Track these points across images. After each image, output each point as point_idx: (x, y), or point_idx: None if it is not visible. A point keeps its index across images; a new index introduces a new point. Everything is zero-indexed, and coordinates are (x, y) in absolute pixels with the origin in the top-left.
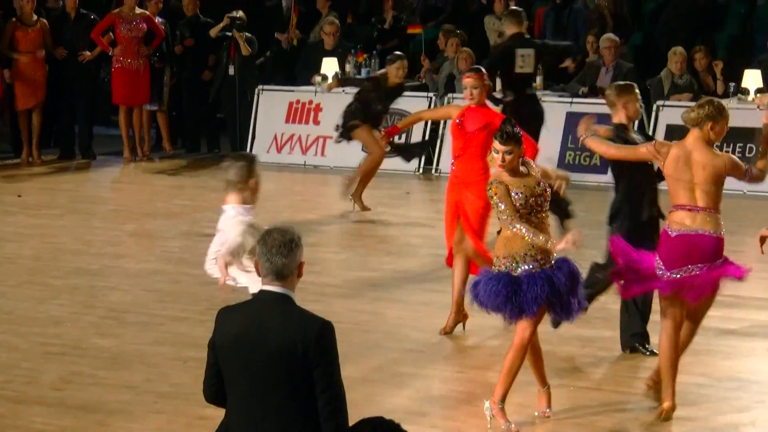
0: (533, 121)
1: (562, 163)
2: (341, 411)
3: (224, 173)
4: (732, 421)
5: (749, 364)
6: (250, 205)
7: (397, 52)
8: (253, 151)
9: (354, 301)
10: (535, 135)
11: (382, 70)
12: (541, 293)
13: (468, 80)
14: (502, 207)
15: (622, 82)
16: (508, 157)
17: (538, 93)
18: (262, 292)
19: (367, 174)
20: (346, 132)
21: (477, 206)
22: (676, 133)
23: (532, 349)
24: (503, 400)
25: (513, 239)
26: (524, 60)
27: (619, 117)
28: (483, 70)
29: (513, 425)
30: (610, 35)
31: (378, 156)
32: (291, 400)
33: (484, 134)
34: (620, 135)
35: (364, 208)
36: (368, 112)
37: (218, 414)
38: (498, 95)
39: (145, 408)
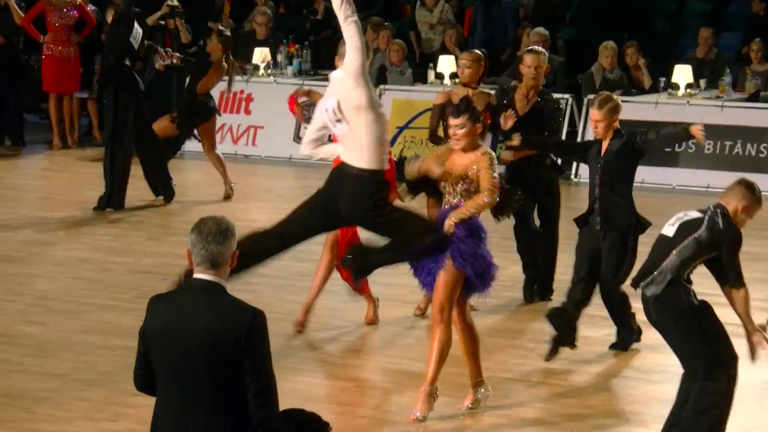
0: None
1: None
2: (272, 401)
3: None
4: (660, 413)
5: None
6: None
7: None
8: (185, 141)
9: (284, 290)
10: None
11: None
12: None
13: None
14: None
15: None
16: (460, 132)
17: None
18: (193, 280)
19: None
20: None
21: None
22: None
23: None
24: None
25: None
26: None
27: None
28: None
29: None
30: (540, 29)
31: None
32: (221, 390)
33: None
34: None
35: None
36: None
37: (146, 402)
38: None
39: (71, 396)
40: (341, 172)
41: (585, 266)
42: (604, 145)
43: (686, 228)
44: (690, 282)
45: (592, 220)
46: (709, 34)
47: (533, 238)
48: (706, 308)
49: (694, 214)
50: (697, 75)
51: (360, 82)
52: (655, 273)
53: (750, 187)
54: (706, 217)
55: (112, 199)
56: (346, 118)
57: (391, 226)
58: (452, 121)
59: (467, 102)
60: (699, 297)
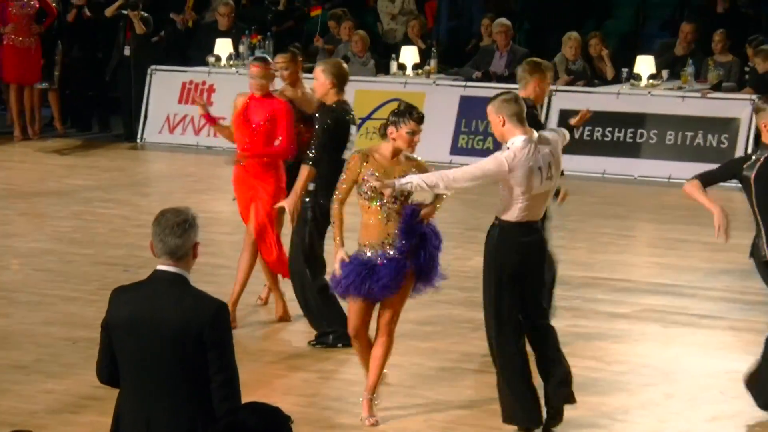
0: None
1: (455, 147)
2: (235, 393)
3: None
4: (622, 405)
5: (639, 348)
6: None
7: None
8: (145, 132)
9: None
10: None
11: None
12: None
13: (254, 70)
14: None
15: (537, 59)
16: (416, 139)
17: (432, 76)
18: (156, 272)
19: None
20: None
21: (266, 203)
22: (568, 118)
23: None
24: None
25: (369, 227)
26: None
27: (527, 92)
28: (269, 59)
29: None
30: (503, 20)
31: None
32: (183, 382)
33: (267, 126)
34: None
35: None
36: None
37: (109, 394)
38: None
39: (35, 388)
40: (531, 234)
41: None
42: None
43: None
44: None
45: None
46: (691, 29)
47: None
48: None
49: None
50: (674, 69)
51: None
52: None
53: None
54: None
55: None
56: (554, 176)
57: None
58: (415, 127)
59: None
60: None
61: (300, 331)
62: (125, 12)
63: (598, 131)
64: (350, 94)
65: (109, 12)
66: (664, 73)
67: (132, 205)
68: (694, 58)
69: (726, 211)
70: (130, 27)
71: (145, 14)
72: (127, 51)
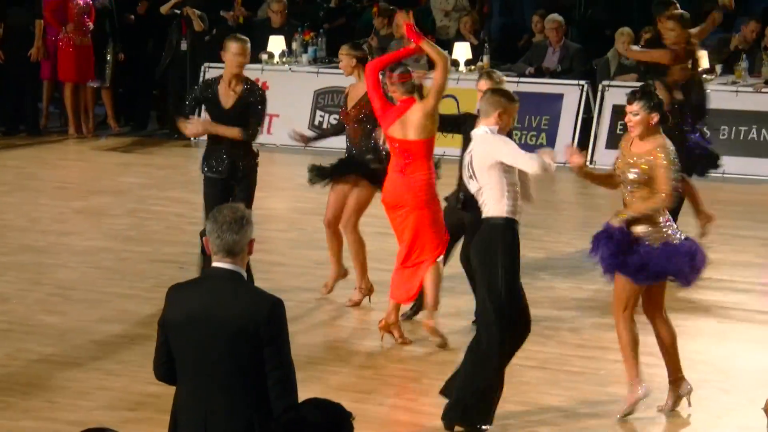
0: None
1: None
2: (292, 389)
3: None
4: None
5: (695, 344)
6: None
7: None
8: None
9: (302, 278)
10: None
11: None
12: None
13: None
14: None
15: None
16: (634, 119)
17: None
18: (212, 269)
19: None
20: None
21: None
22: (622, 113)
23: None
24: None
25: None
26: None
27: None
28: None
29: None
30: (555, 15)
31: None
32: (240, 379)
33: None
34: None
35: None
36: None
37: (166, 391)
38: None
39: (92, 385)
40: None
41: None
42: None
43: None
44: None
45: None
46: (754, 26)
47: None
48: None
49: None
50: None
51: None
52: None
53: None
54: None
55: None
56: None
57: None
58: (627, 108)
59: (644, 89)
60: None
61: (353, 328)
62: (178, 11)
63: None
64: None
65: (164, 9)
66: (718, 68)
67: (187, 203)
68: (748, 54)
69: None
70: (187, 23)
71: (200, 11)
72: (183, 47)
